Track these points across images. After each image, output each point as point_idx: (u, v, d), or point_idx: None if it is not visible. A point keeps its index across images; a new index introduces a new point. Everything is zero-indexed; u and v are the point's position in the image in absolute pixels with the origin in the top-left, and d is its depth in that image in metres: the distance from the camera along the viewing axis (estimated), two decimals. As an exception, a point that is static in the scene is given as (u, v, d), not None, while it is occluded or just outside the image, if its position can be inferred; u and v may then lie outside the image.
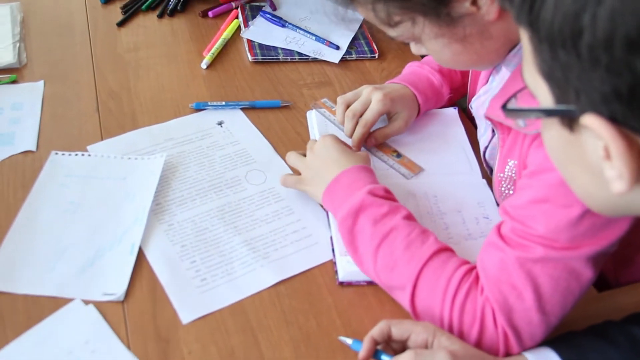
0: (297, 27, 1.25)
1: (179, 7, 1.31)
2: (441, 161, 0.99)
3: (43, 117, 1.06)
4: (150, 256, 0.84)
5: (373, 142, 0.98)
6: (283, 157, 1.00)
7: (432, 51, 0.80)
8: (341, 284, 0.83)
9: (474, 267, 0.73)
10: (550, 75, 0.47)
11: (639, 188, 0.46)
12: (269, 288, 0.82)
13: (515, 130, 0.76)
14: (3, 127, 1.03)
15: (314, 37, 1.23)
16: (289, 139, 1.04)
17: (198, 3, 1.34)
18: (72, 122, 1.06)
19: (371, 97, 0.96)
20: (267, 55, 1.19)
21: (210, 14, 1.29)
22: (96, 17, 1.30)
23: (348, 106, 0.98)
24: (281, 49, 1.20)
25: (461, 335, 0.70)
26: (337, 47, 1.21)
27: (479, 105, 0.92)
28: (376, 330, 0.69)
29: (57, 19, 1.30)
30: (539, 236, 0.67)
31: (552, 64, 0.46)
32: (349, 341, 0.72)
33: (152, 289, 0.81)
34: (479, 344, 0.69)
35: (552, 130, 0.51)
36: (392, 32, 0.79)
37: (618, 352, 0.65)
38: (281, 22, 1.26)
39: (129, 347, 0.75)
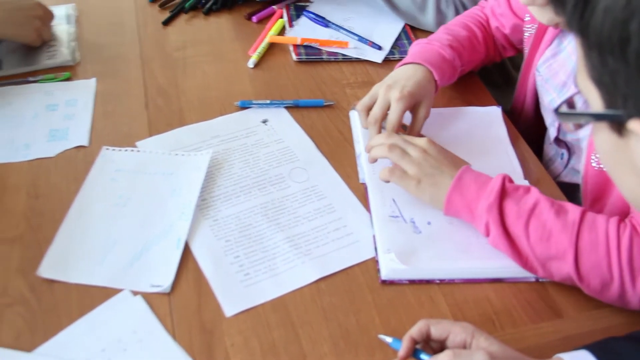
0: (341, 27, 1.25)
1: (224, 5, 1.33)
2: (485, 163, 0.98)
3: (95, 113, 1.09)
4: (196, 250, 0.86)
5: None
6: (326, 155, 1.01)
7: None
8: (383, 282, 0.83)
9: (621, 219, 0.76)
10: (599, 81, 0.47)
11: None
12: (310, 284, 0.83)
13: None
14: (58, 122, 1.06)
15: (357, 37, 1.23)
16: (331, 137, 1.04)
17: (243, 4, 1.36)
18: (122, 118, 1.08)
19: (389, 98, 0.94)
20: (311, 55, 1.19)
21: (254, 19, 1.30)
22: (145, 16, 1.33)
23: (369, 111, 0.97)
24: (327, 51, 1.21)
25: (632, 279, 0.73)
26: (380, 47, 1.21)
27: (554, 67, 0.94)
28: (415, 330, 0.70)
29: (109, 18, 1.33)
30: None
31: (601, 70, 0.46)
32: (388, 339, 0.72)
33: (197, 282, 0.83)
34: None
35: (602, 134, 0.51)
36: None
37: None
38: (325, 22, 1.26)
39: (174, 337, 0.77)
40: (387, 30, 1.25)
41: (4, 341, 0.76)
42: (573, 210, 0.78)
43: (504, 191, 0.80)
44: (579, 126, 0.70)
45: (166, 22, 1.30)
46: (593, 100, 0.50)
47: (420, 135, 0.95)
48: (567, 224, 0.76)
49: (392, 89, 0.95)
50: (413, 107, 0.97)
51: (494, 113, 1.07)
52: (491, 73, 1.25)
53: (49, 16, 1.22)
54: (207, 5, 1.33)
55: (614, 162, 0.53)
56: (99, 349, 0.75)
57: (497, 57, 1.15)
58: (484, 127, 1.04)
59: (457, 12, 1.20)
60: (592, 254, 0.75)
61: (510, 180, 0.83)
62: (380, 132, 0.95)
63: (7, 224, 0.90)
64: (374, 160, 0.92)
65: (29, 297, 0.81)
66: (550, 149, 1.03)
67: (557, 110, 0.56)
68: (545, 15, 0.83)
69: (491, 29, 1.11)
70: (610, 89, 0.46)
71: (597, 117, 0.50)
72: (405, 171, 0.86)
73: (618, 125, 0.47)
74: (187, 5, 1.33)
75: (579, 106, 0.91)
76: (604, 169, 0.57)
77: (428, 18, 1.22)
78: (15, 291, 0.82)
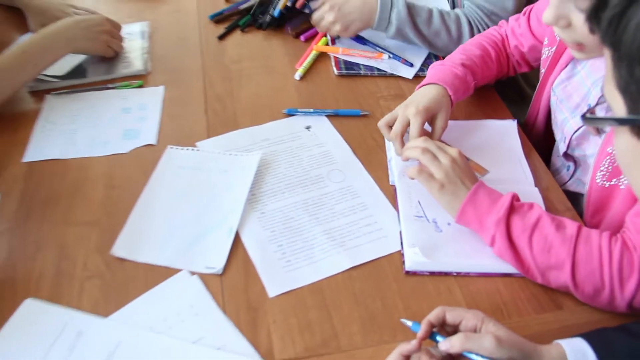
0: (377, 45, 1.27)
1: (273, 24, 1.36)
2: (500, 169, 0.99)
3: (162, 116, 1.14)
4: (245, 238, 0.90)
5: None
6: (360, 159, 1.03)
7: None
8: (407, 272, 0.85)
9: (613, 233, 0.78)
10: (625, 89, 0.49)
11: None
12: (343, 272, 0.85)
13: None
14: (131, 124, 1.12)
15: (391, 55, 1.25)
16: (366, 143, 1.07)
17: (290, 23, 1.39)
18: (184, 121, 1.13)
19: (407, 114, 0.97)
20: (350, 70, 1.22)
21: (302, 37, 1.33)
22: (207, 32, 1.38)
23: (390, 127, 0.99)
24: (362, 64, 1.23)
25: (621, 287, 0.75)
26: (411, 65, 1.23)
27: (569, 90, 0.96)
28: (433, 315, 0.72)
29: (176, 34, 1.38)
30: None
31: (628, 79, 0.48)
32: (409, 323, 0.74)
33: (245, 266, 0.86)
34: (636, 290, 0.74)
35: (623, 137, 0.53)
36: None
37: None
38: (363, 40, 1.29)
39: (225, 312, 0.81)
40: (417, 49, 1.26)
41: (84, 307, 0.81)
42: (571, 226, 0.79)
43: (512, 208, 0.82)
44: (598, 131, 0.71)
45: (221, 37, 1.35)
46: (616, 106, 0.52)
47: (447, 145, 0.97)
48: (566, 237, 0.78)
49: (409, 107, 0.98)
50: (431, 120, 0.99)
51: (509, 126, 1.08)
52: (508, 89, 1.25)
53: (116, 29, 1.28)
54: (260, 21, 1.37)
55: (631, 163, 0.55)
56: (161, 319, 0.80)
57: (511, 72, 1.16)
58: (500, 138, 1.05)
59: None
60: (586, 264, 0.76)
61: (518, 199, 0.84)
62: (403, 145, 0.97)
63: (87, 210, 0.96)
64: (407, 159, 0.94)
65: (105, 272, 0.86)
66: (558, 160, 1.04)
67: (584, 116, 0.58)
68: (568, 35, 0.83)
69: (508, 46, 1.12)
70: (634, 96, 0.49)
71: (621, 122, 0.52)
72: (432, 174, 0.88)
73: (638, 129, 0.50)
74: (241, 22, 1.38)
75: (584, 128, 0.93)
76: (620, 168, 0.58)
77: None
78: (93, 266, 0.87)
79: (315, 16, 1.26)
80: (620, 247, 0.75)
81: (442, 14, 1.20)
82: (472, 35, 1.20)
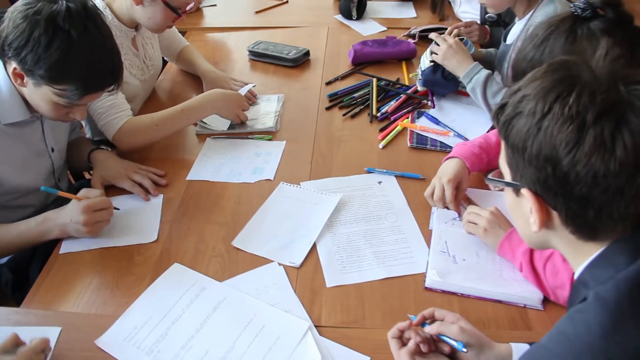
0: (446, 125, 1.63)
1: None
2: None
3: (281, 162, 1.57)
4: (319, 248, 1.27)
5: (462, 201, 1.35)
6: (412, 209, 1.38)
7: None
8: (425, 288, 1.17)
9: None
10: (510, 164, 0.82)
11: (545, 231, 0.78)
12: (379, 280, 1.19)
13: None
14: (259, 164, 1.56)
15: (456, 133, 1.60)
16: (418, 199, 1.40)
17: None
18: (295, 167, 1.55)
19: (442, 183, 1.31)
20: (420, 143, 1.59)
21: (391, 117, 1.73)
22: (323, 104, 1.82)
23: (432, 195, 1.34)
24: (430, 139, 1.59)
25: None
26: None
27: None
28: (426, 311, 1.03)
29: (301, 103, 1.84)
30: None
31: (511, 160, 0.81)
32: (411, 316, 1.06)
33: (315, 265, 1.24)
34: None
35: (509, 195, 0.85)
36: None
37: None
38: (436, 120, 1.65)
39: (295, 291, 1.18)
40: (479, 128, 1.60)
41: (209, 274, 1.23)
42: None
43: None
44: (500, 189, 1.03)
45: (328, 109, 1.78)
46: (505, 174, 0.83)
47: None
48: (567, 267, 1.06)
49: (442, 178, 1.33)
50: (458, 185, 1.33)
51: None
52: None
53: (245, 106, 1.71)
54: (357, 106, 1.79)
55: (514, 212, 0.86)
56: (253, 289, 1.19)
57: None
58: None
59: None
60: None
61: None
62: (443, 204, 1.32)
63: (221, 215, 1.40)
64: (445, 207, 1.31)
65: (225, 254, 1.28)
66: None
67: (486, 177, 0.91)
68: None
69: None
70: (514, 169, 0.80)
71: (507, 184, 0.83)
72: (479, 226, 1.23)
73: (516, 191, 0.81)
74: (345, 100, 1.81)
75: None
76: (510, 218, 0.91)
77: None
78: (218, 250, 1.29)
79: None
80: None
81: None
82: None
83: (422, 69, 1.71)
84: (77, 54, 1.18)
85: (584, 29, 1.00)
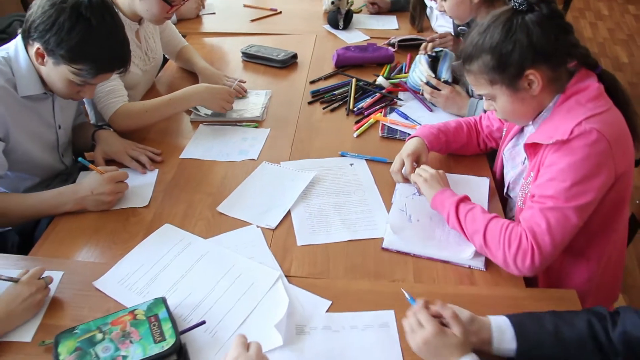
0: (414, 120, 1.81)
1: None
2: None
3: (264, 145, 1.74)
4: (293, 214, 1.44)
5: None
6: (378, 187, 1.54)
7: (500, 106, 1.28)
8: (383, 248, 1.33)
9: (511, 221, 1.23)
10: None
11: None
12: (343, 242, 1.36)
13: (537, 153, 1.26)
14: (245, 146, 1.73)
15: (420, 125, 1.77)
16: (384, 179, 1.57)
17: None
18: (277, 150, 1.72)
19: (402, 157, 1.50)
20: (389, 134, 1.76)
21: (366, 112, 1.91)
22: (305, 99, 2.00)
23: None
24: (400, 131, 1.77)
25: (509, 246, 1.19)
26: (434, 137, 1.74)
27: (513, 154, 1.44)
28: (434, 306, 1.06)
29: (286, 98, 2.01)
30: (549, 196, 1.18)
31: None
32: (407, 295, 1.15)
33: (288, 228, 1.40)
34: (517, 252, 1.17)
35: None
36: (480, 91, 1.29)
37: (544, 324, 1.03)
38: (405, 116, 1.83)
39: (269, 248, 1.34)
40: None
41: (195, 233, 1.39)
42: (489, 214, 1.26)
43: (462, 199, 1.31)
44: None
45: (310, 103, 1.96)
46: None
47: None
48: (486, 216, 1.24)
49: (402, 153, 1.52)
50: (417, 159, 1.51)
51: (483, 181, 1.54)
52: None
53: (232, 95, 1.86)
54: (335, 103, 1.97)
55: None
56: (233, 245, 1.35)
57: (481, 144, 1.62)
58: (476, 186, 1.52)
59: None
60: (493, 231, 1.22)
61: (469, 199, 1.32)
62: (401, 177, 1.51)
63: (209, 187, 1.56)
64: (406, 181, 1.49)
65: (210, 218, 1.44)
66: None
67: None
68: (486, 103, 1.32)
69: (480, 125, 1.61)
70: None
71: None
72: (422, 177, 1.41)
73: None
74: (326, 96, 1.99)
75: (517, 172, 1.39)
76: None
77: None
78: (204, 214, 1.45)
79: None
80: (514, 225, 1.21)
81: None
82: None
83: (413, 80, 1.94)
84: (95, 39, 1.36)
85: (519, 19, 1.18)
